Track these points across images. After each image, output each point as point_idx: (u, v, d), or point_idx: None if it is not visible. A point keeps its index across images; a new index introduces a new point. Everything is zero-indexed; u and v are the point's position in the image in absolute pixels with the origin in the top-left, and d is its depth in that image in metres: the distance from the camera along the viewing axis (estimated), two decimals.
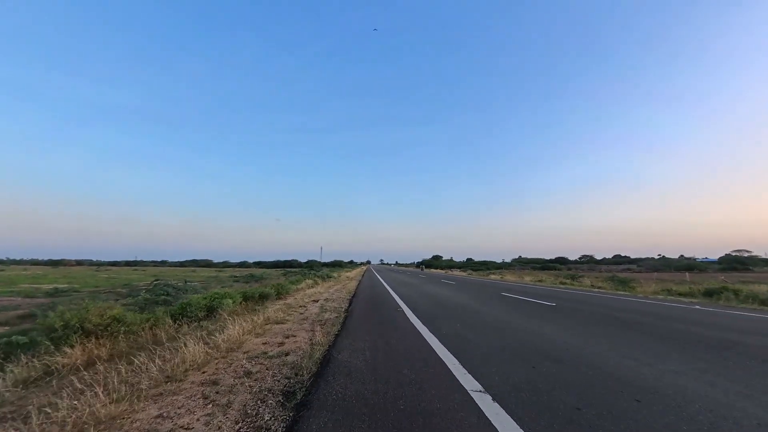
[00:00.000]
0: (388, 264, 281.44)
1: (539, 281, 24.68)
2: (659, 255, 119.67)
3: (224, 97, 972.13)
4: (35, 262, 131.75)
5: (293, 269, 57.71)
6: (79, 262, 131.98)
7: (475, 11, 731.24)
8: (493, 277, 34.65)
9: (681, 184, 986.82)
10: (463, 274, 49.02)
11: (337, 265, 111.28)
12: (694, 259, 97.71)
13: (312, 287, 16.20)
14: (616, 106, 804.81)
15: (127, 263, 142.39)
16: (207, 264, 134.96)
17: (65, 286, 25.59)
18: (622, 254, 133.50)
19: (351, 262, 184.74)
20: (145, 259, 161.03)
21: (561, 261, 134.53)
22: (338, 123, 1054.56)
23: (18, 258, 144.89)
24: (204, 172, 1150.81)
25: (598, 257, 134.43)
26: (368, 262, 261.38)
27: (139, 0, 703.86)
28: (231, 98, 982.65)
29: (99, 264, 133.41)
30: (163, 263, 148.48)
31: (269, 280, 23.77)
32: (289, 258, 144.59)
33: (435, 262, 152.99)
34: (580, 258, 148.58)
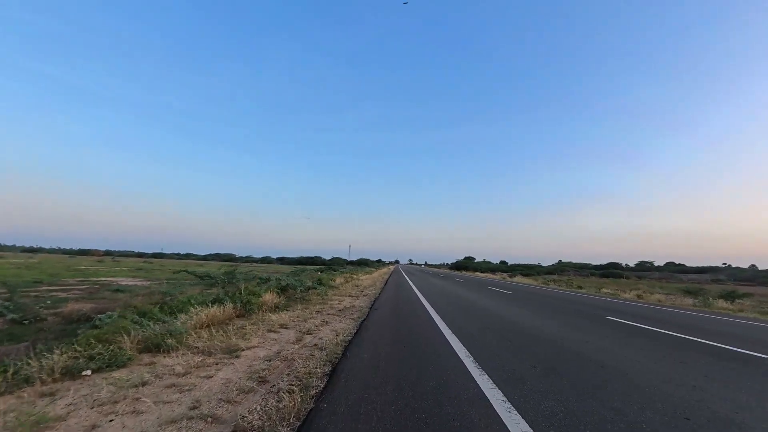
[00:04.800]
0: (417, 264, 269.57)
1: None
2: (725, 264, 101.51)
3: (257, 97, 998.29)
4: (66, 252, 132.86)
5: (314, 267, 48.34)
6: (107, 252, 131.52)
7: (509, 15, 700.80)
8: (605, 291, 22.29)
9: (722, 192, 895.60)
10: (528, 281, 37.21)
11: (362, 263, 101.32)
12: None
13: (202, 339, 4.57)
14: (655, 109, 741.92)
15: (154, 255, 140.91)
16: (229, 258, 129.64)
17: None
18: (676, 262, 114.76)
19: (379, 261, 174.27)
20: (180, 252, 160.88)
21: (614, 267, 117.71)
22: (372, 123, 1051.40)
23: (62, 247, 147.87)
24: (240, 170, 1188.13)
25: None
26: (396, 262, 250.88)
27: (178, 6, 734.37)
28: (264, 98, 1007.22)
29: (125, 255, 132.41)
30: (188, 256, 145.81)
31: (248, 282, 13.98)
32: (314, 255, 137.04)
33: (469, 263, 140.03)
34: (636, 264, 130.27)
